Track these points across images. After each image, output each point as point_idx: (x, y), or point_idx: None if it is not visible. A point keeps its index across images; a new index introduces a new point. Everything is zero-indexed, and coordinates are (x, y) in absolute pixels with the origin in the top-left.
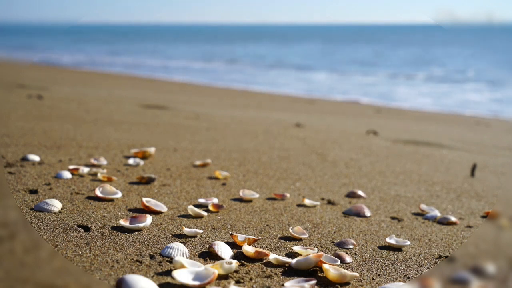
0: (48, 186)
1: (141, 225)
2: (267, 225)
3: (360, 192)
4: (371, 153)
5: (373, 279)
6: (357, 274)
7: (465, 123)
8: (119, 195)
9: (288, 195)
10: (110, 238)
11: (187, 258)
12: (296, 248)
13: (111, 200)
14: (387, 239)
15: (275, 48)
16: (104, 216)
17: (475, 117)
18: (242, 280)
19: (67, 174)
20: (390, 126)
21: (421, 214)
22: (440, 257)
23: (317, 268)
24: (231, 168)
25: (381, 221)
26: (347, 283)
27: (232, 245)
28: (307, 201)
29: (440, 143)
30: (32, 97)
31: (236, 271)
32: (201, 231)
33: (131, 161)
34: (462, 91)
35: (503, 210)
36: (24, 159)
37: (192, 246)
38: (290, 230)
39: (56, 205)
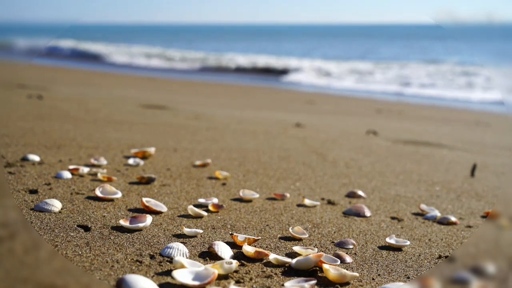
0: (48, 186)
1: (141, 225)
2: (267, 225)
3: (360, 192)
4: (371, 153)
5: (373, 279)
6: (357, 274)
7: (465, 123)
8: (119, 195)
9: (288, 195)
10: (110, 238)
11: (187, 258)
12: (296, 248)
13: (111, 200)
14: (387, 239)
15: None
16: (104, 216)
17: (475, 116)
18: (242, 280)
19: (67, 174)
20: (390, 126)
21: (421, 214)
22: (440, 257)
23: (317, 268)
24: (231, 168)
25: (381, 221)
26: (347, 283)
27: (232, 245)
28: (307, 201)
29: (440, 143)
30: (32, 97)
31: (236, 271)
32: (201, 231)
33: (131, 161)
34: (462, 88)
35: (503, 210)
36: (24, 159)
37: (192, 246)
38: (290, 230)
39: (56, 205)
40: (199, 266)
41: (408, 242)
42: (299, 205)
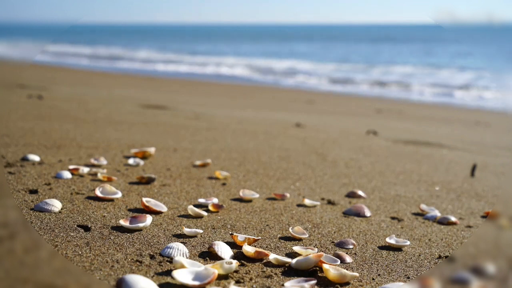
0: (48, 186)
1: (141, 225)
2: (267, 225)
3: (360, 192)
4: (371, 153)
5: (373, 279)
6: (357, 274)
7: (465, 123)
8: (119, 195)
9: (288, 195)
10: (110, 238)
11: (187, 258)
12: (296, 248)
13: (111, 200)
14: (387, 239)
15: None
16: (104, 216)
17: (475, 116)
18: (242, 280)
19: (67, 174)
20: (390, 126)
21: (421, 214)
22: (440, 257)
23: (317, 268)
24: (231, 168)
25: (381, 221)
26: (347, 283)
27: (232, 245)
28: (307, 201)
29: (440, 143)
30: (32, 97)
31: (236, 271)
32: (201, 231)
33: (131, 161)
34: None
35: (503, 210)
36: (24, 159)
37: (192, 246)
38: (290, 230)
39: (56, 205)
40: (199, 266)
41: (408, 242)
42: (299, 205)
